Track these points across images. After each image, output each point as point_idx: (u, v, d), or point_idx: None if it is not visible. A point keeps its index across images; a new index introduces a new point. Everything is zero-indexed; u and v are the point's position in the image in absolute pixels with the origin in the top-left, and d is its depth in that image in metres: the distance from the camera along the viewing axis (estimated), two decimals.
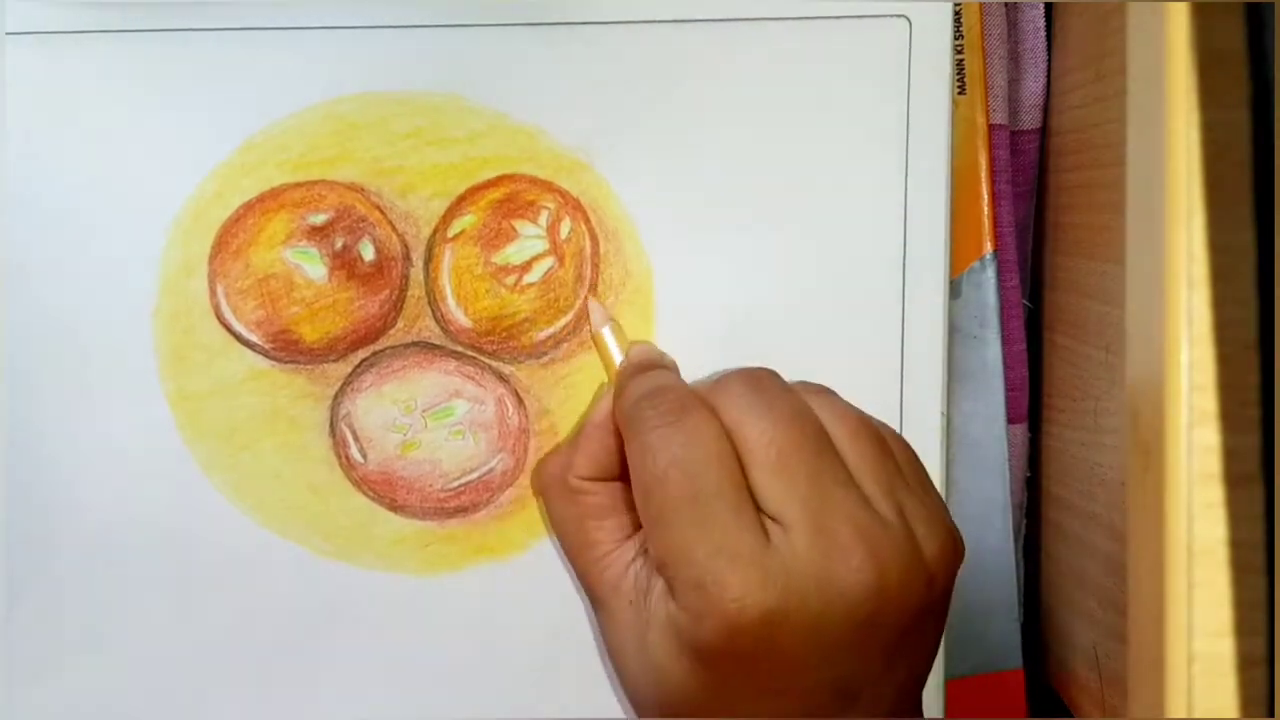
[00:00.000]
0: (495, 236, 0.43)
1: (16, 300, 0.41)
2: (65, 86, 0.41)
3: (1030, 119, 0.48)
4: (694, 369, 0.42)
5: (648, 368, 0.41)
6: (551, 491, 0.42)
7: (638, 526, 0.40)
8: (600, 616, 0.41)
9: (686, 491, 0.37)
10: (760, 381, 0.39)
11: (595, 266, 0.43)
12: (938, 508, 0.39)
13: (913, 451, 0.40)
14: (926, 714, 0.44)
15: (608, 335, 0.43)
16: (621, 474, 0.40)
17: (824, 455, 0.37)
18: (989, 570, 0.47)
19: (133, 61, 0.41)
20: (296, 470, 0.42)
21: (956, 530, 0.39)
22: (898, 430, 0.43)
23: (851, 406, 0.39)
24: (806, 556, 0.36)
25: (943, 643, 0.44)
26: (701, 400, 0.38)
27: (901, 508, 0.38)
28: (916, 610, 0.37)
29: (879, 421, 0.40)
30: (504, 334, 0.43)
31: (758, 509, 0.37)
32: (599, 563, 0.41)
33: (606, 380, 0.43)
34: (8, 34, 0.41)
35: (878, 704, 0.38)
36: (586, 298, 0.43)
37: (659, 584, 0.38)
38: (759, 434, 0.37)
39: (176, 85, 0.42)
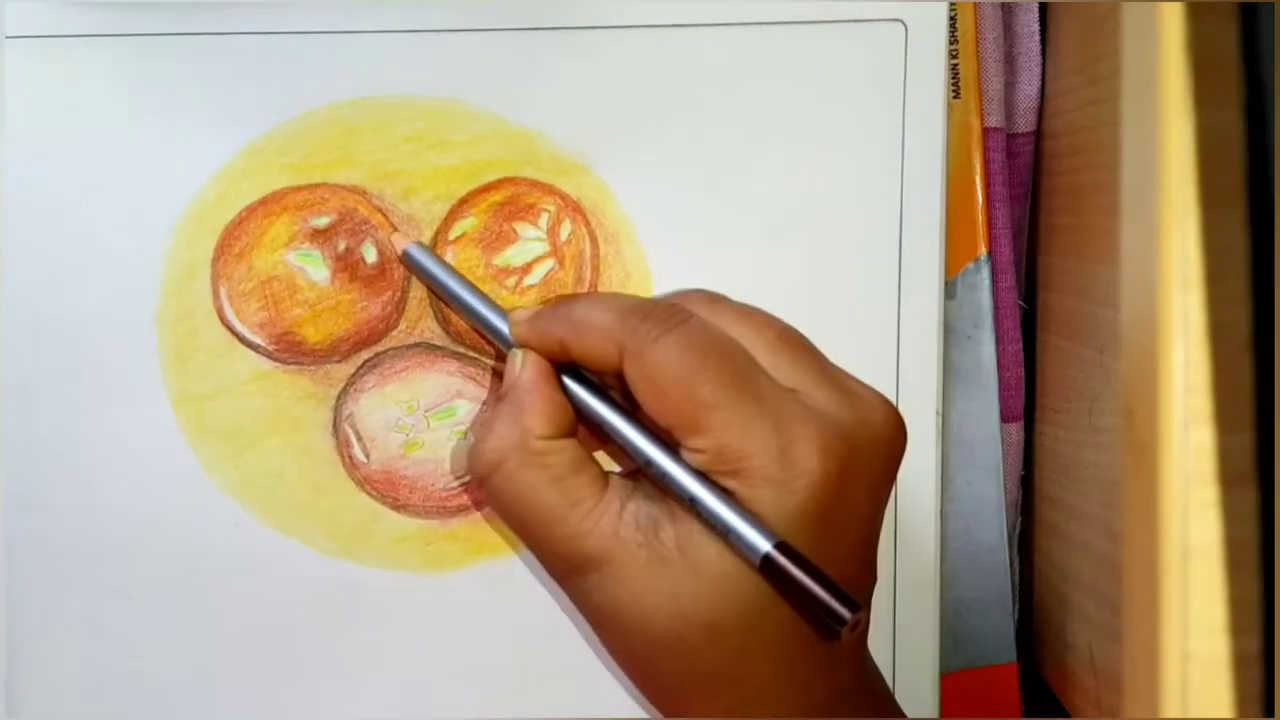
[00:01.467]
0: (496, 239, 0.43)
1: (19, 302, 0.42)
2: (68, 90, 0.41)
3: (1025, 122, 0.48)
4: None
5: (565, 300, 0.40)
6: (511, 462, 0.38)
7: (605, 476, 0.39)
8: (593, 578, 0.38)
9: (732, 370, 0.36)
10: (717, 294, 0.40)
11: (595, 269, 0.43)
12: None
13: None
14: (922, 708, 0.44)
15: (416, 253, 0.42)
16: (573, 429, 0.39)
17: (802, 336, 0.39)
18: (984, 569, 0.47)
19: (136, 65, 0.41)
20: (300, 470, 0.42)
21: None
22: None
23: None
24: (839, 408, 0.37)
25: (938, 637, 0.45)
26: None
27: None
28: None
29: None
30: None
31: None
32: (588, 518, 0.38)
33: (431, 296, 0.42)
34: (8, 37, 0.41)
35: (875, 575, 0.40)
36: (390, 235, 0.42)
37: (666, 509, 0.38)
38: (746, 327, 0.38)
39: (179, 89, 0.42)
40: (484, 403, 0.43)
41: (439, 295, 0.42)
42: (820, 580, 0.35)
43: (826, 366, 0.39)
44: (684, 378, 0.36)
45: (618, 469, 0.41)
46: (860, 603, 0.36)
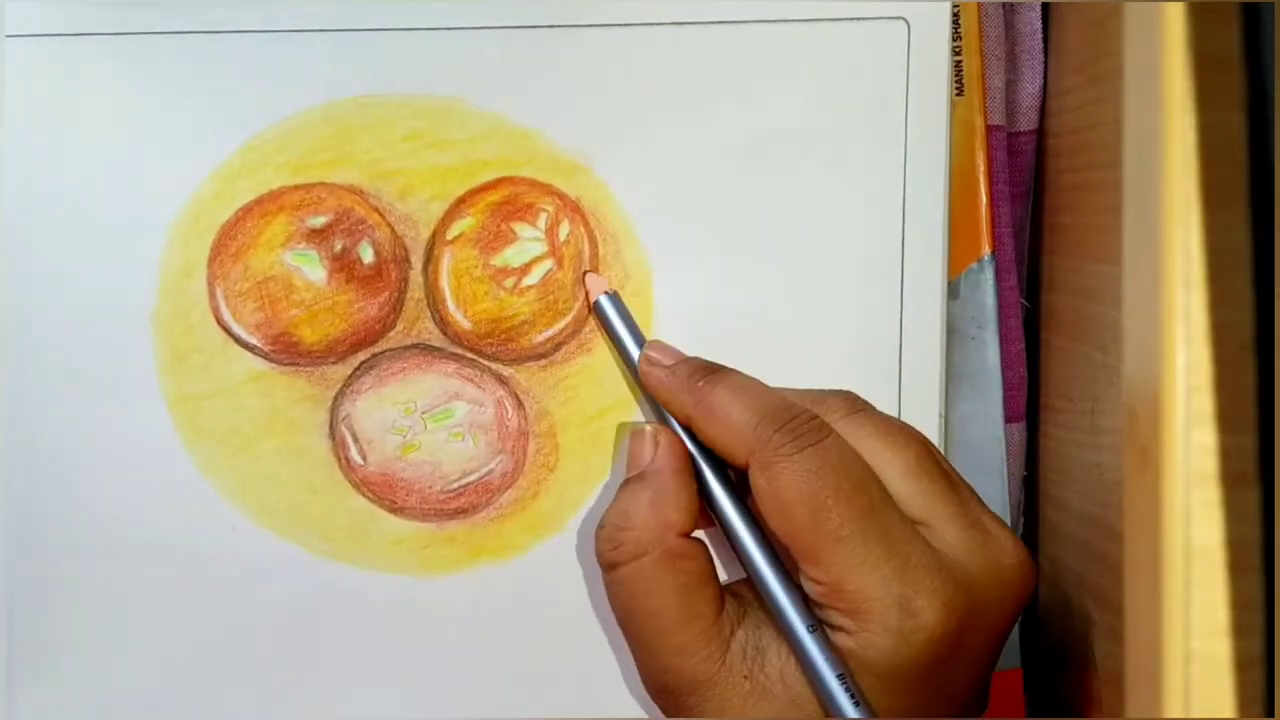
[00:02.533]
0: (494, 239, 0.43)
1: (15, 302, 0.41)
2: (64, 88, 0.41)
3: (1027, 120, 0.48)
4: None
5: (713, 371, 0.39)
6: (651, 556, 0.37)
7: (723, 595, 0.38)
8: (691, 699, 0.37)
9: (863, 505, 0.35)
10: (859, 400, 0.39)
11: (594, 269, 0.43)
12: None
13: None
14: None
15: (609, 306, 0.41)
16: (703, 523, 0.38)
17: (940, 458, 0.38)
18: None
19: (133, 63, 0.41)
20: (296, 472, 0.42)
21: None
22: None
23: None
24: (970, 553, 0.36)
25: None
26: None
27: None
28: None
29: None
30: (503, 336, 0.43)
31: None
32: (701, 636, 0.36)
33: (615, 357, 0.42)
34: (7, 36, 0.41)
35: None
36: (584, 273, 0.42)
37: (774, 637, 0.37)
38: (884, 445, 0.37)
39: (176, 87, 0.42)
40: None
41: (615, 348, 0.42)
42: None
43: (962, 496, 0.38)
44: (813, 504, 0.35)
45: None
46: None
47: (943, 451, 0.44)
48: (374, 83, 0.42)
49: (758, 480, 0.36)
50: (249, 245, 0.42)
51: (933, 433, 0.44)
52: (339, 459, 0.43)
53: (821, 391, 0.40)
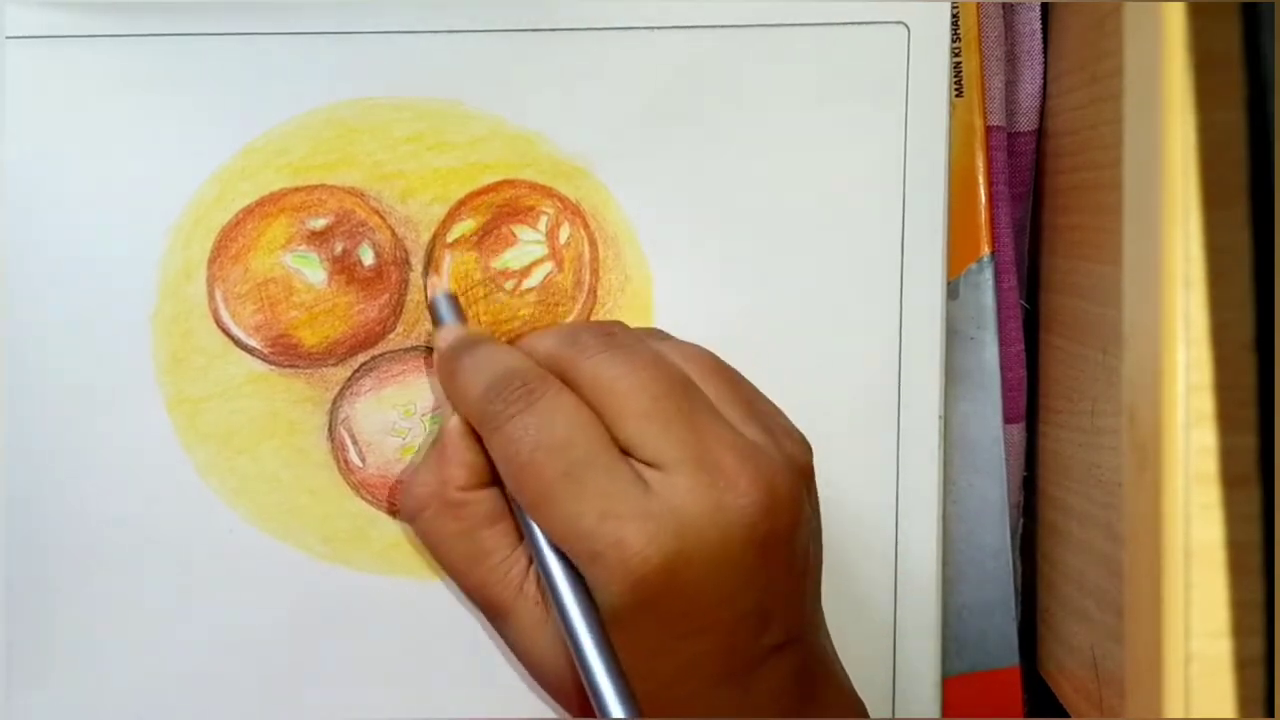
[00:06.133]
0: (495, 241, 0.43)
1: (15, 304, 0.41)
2: (65, 90, 0.41)
3: (1027, 121, 0.48)
4: None
5: (466, 346, 0.40)
6: (430, 510, 0.40)
7: (518, 531, 0.40)
8: (504, 627, 0.40)
9: (558, 469, 0.36)
10: (613, 333, 0.39)
11: (594, 272, 0.43)
12: (783, 416, 0.40)
13: (740, 374, 0.41)
14: (923, 712, 0.44)
15: (441, 304, 0.42)
16: (497, 478, 0.40)
17: (691, 393, 0.38)
18: (986, 570, 0.47)
19: (134, 65, 0.41)
20: (295, 474, 0.42)
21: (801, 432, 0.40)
22: (895, 434, 0.43)
23: (691, 344, 0.40)
24: (693, 493, 0.36)
25: (940, 640, 0.44)
26: (545, 372, 0.38)
27: (765, 427, 0.38)
28: (804, 519, 0.38)
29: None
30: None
31: (632, 460, 0.37)
32: (497, 570, 0.40)
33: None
34: (7, 37, 0.41)
35: (792, 619, 0.39)
36: (425, 278, 0.43)
37: None
38: (626, 385, 0.37)
39: (177, 89, 0.42)
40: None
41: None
42: (611, 676, 0.36)
43: (705, 435, 0.37)
44: (514, 468, 0.37)
45: None
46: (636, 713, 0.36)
47: (942, 452, 0.44)
48: (375, 85, 0.42)
49: (488, 450, 0.39)
50: (249, 247, 0.42)
51: (932, 433, 0.44)
52: (338, 461, 0.43)
53: (582, 327, 0.41)
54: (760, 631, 0.38)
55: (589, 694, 0.36)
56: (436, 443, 0.41)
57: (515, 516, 0.39)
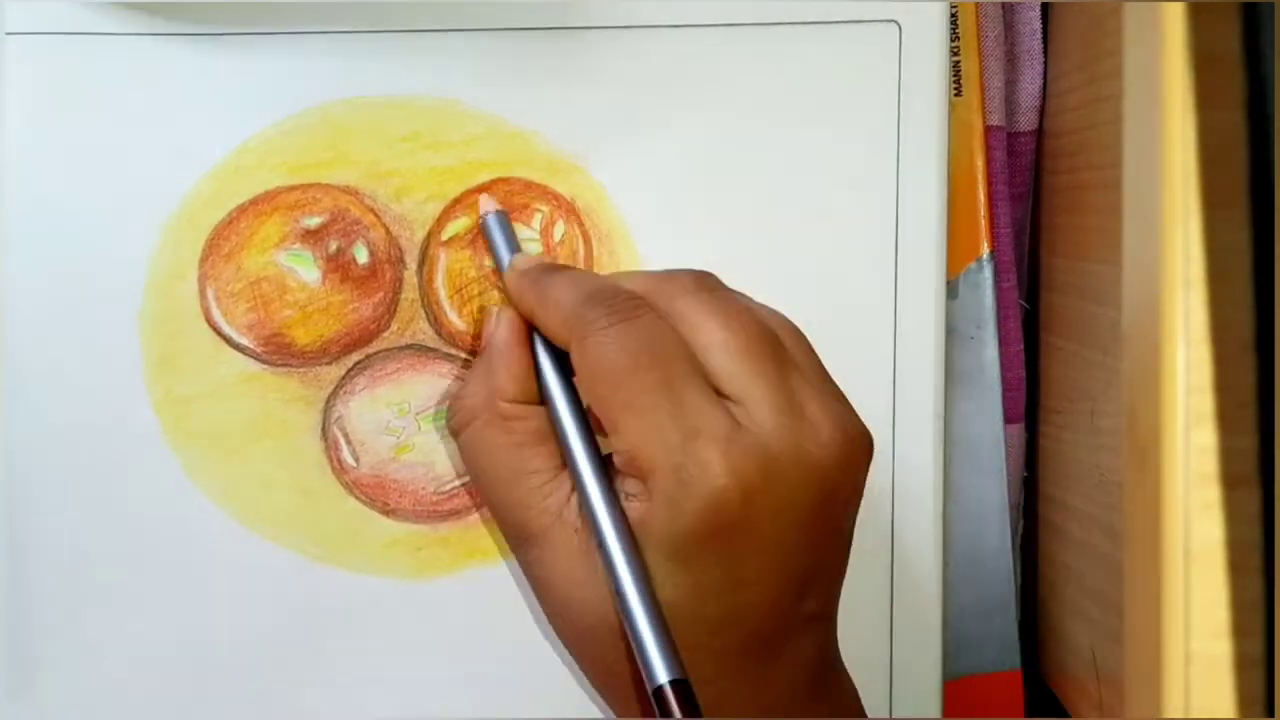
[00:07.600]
0: None
1: (3, 299, 0.41)
2: (61, 88, 0.41)
3: (1027, 120, 0.48)
4: None
5: (555, 267, 0.41)
6: (480, 420, 0.40)
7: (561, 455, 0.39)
8: (534, 552, 0.39)
9: (654, 378, 0.36)
10: (708, 280, 0.40)
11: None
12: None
13: None
14: (925, 714, 0.44)
15: (493, 223, 0.42)
16: (542, 398, 0.40)
17: (778, 345, 0.38)
18: (986, 571, 0.47)
19: (130, 64, 0.41)
20: (288, 474, 0.42)
21: None
22: (891, 434, 0.43)
23: (777, 310, 0.40)
24: (778, 432, 0.36)
25: (940, 643, 0.44)
26: (642, 299, 0.38)
27: (839, 397, 0.39)
28: (861, 492, 0.38)
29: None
30: None
31: (719, 395, 0.37)
32: (539, 490, 0.39)
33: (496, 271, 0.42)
34: (7, 33, 0.41)
35: (828, 592, 0.39)
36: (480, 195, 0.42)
37: None
38: (718, 322, 0.38)
39: (173, 87, 0.42)
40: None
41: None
42: (656, 633, 0.36)
43: (791, 382, 0.38)
44: (610, 375, 0.37)
45: None
46: (683, 676, 0.35)
47: (941, 452, 0.44)
48: (371, 84, 0.42)
49: (574, 356, 0.38)
50: (242, 245, 0.42)
51: (931, 433, 0.44)
52: (331, 461, 0.42)
53: (675, 271, 0.40)
54: (803, 596, 0.38)
55: (628, 634, 0.36)
56: (482, 357, 0.41)
57: (560, 443, 0.39)
